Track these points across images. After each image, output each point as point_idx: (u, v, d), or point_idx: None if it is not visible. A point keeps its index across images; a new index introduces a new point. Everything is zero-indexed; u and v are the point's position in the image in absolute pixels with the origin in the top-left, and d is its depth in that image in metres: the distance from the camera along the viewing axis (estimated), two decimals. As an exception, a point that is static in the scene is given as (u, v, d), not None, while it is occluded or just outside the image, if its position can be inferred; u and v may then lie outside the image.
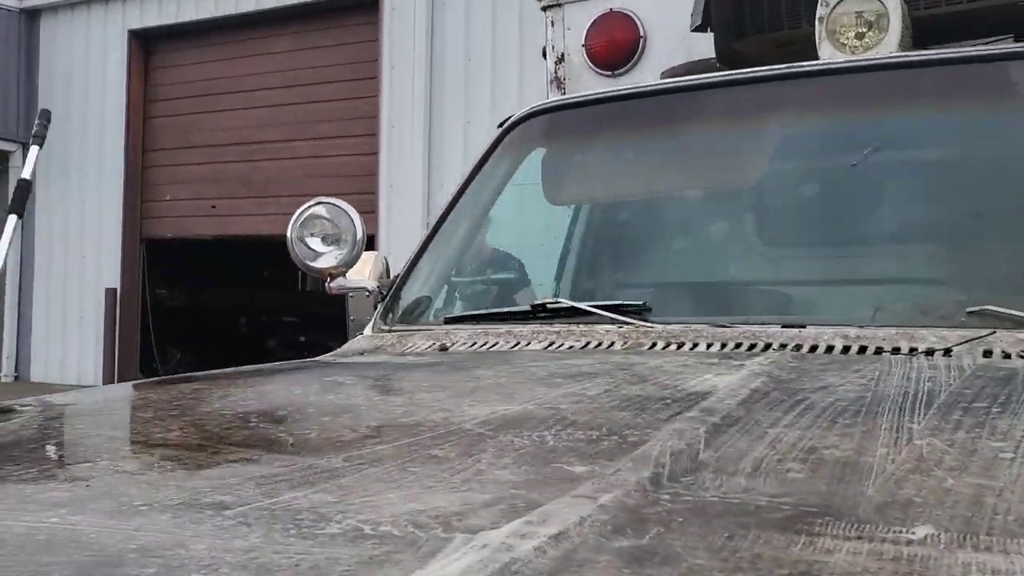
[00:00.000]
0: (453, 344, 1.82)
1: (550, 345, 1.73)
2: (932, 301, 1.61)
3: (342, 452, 0.96)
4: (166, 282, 13.26)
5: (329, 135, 11.02)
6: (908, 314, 1.59)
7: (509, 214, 2.33)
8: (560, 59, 3.43)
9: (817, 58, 2.60)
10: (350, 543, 0.68)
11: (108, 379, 11.47)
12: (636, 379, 1.32)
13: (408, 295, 2.19)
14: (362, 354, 1.88)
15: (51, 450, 0.96)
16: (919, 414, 1.06)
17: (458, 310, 2.20)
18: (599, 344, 1.69)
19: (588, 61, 3.36)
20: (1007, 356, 1.38)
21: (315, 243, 2.18)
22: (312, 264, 2.17)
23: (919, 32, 2.36)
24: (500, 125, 2.50)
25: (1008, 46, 2.06)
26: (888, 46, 2.29)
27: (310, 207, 2.19)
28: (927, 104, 1.89)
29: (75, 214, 12.29)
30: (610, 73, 3.37)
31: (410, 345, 1.88)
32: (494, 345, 1.79)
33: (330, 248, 2.20)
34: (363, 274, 2.40)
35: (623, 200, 2.21)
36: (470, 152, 10.85)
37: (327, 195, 9.07)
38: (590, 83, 3.40)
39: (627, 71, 3.35)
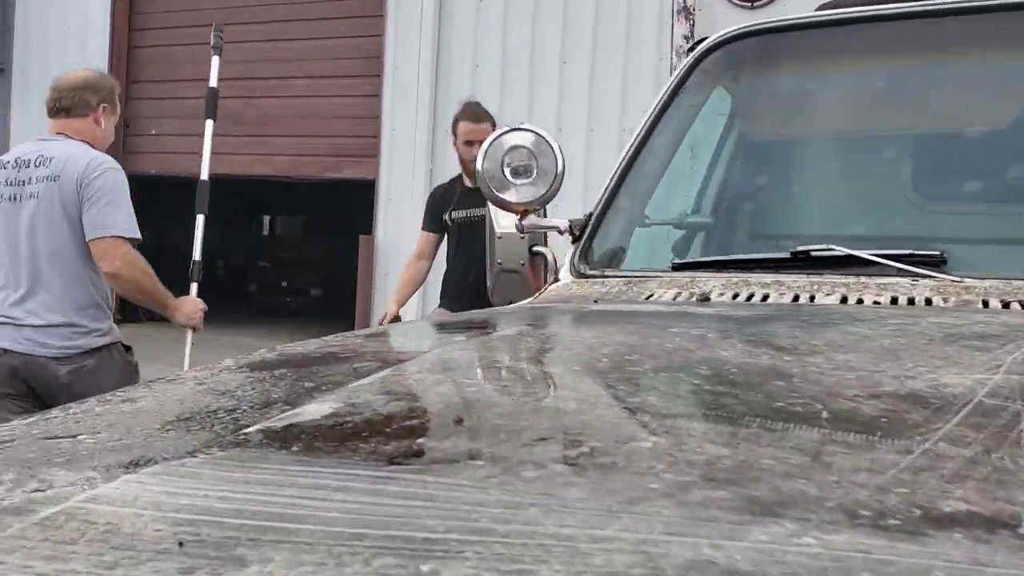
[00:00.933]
0: (711, 293, 1.57)
1: (843, 300, 1.48)
2: None
3: (925, 431, 0.71)
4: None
5: (329, 74, 10.55)
6: None
7: (709, 149, 2.07)
8: (692, -13, 3.16)
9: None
10: None
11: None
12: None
13: (604, 238, 1.93)
14: (595, 302, 1.61)
15: (614, 425, 0.69)
16: None
17: (665, 255, 1.94)
18: (911, 300, 1.45)
19: (725, -9, 3.10)
20: None
21: (506, 174, 1.91)
22: (505, 197, 1.90)
23: None
24: (690, 49, 2.22)
25: None
26: None
27: (505, 133, 1.91)
28: None
29: (54, 146, 11.71)
30: (749, 5, 3.11)
31: (651, 294, 1.62)
32: (765, 297, 1.54)
33: (520, 181, 1.93)
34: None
35: (851, 137, 1.95)
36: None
37: (324, 136, 8.64)
38: (723, 14, 3.14)
39: (767, 4, 3.09)
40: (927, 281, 1.50)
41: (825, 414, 0.76)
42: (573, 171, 8.48)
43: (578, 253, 1.89)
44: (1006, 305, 1.39)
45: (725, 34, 2.09)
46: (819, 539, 0.47)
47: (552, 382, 0.85)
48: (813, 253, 1.62)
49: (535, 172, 1.89)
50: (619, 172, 1.99)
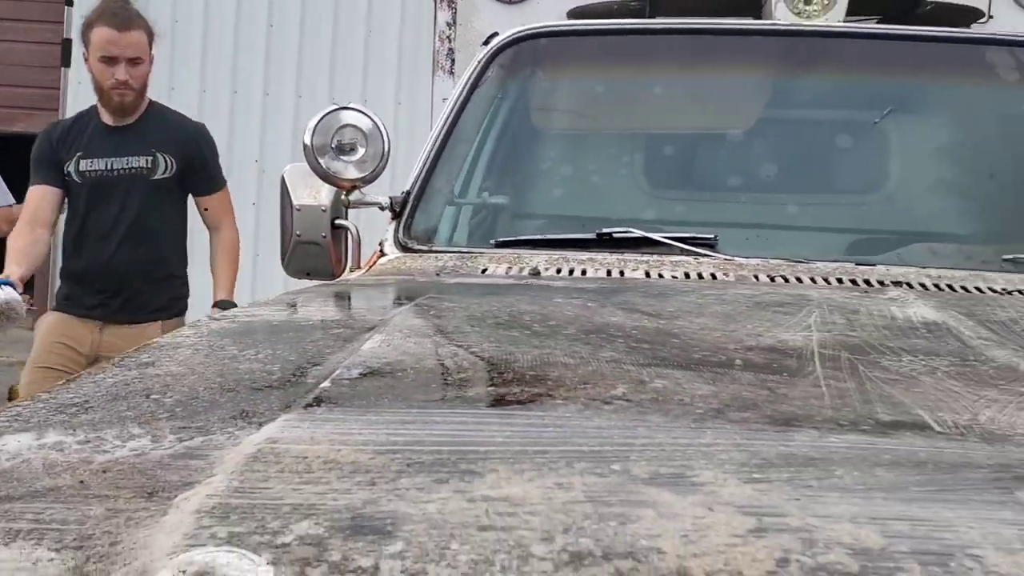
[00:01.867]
0: (537, 268, 1.81)
1: (647, 275, 1.78)
2: (973, 249, 1.90)
3: (843, 376, 0.97)
4: None
5: (3, 16, 9.53)
6: (952, 258, 1.87)
7: (509, 137, 2.30)
8: (453, -22, 3.36)
9: (739, 13, 2.83)
10: None
11: None
12: (847, 309, 1.44)
13: (421, 215, 2.10)
14: (438, 275, 1.79)
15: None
16: None
17: (474, 232, 2.15)
18: (700, 275, 1.78)
19: (484, -15, 3.33)
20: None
21: (333, 151, 2.01)
22: (335, 174, 2.00)
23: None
24: (485, 43, 2.44)
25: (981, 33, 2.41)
26: (838, 14, 2.57)
27: (332, 112, 2.01)
28: (913, 72, 2.17)
29: None
30: (507, 0, 3.36)
31: (485, 267, 1.82)
32: (584, 272, 1.80)
33: (345, 157, 2.04)
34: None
35: (630, 134, 2.27)
36: (178, 51, 9.95)
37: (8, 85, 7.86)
38: (482, 6, 3.38)
39: (523, 0, 3.37)
40: (706, 259, 1.84)
41: (738, 361, 1.02)
42: (282, 136, 8.30)
43: (401, 228, 2.05)
44: (772, 279, 1.75)
45: (519, 32, 2.33)
46: (840, 438, 0.72)
47: (523, 342, 1.03)
48: (615, 235, 1.91)
49: (361, 150, 2.02)
50: (432, 154, 2.17)
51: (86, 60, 3.11)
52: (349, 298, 1.54)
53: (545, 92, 2.34)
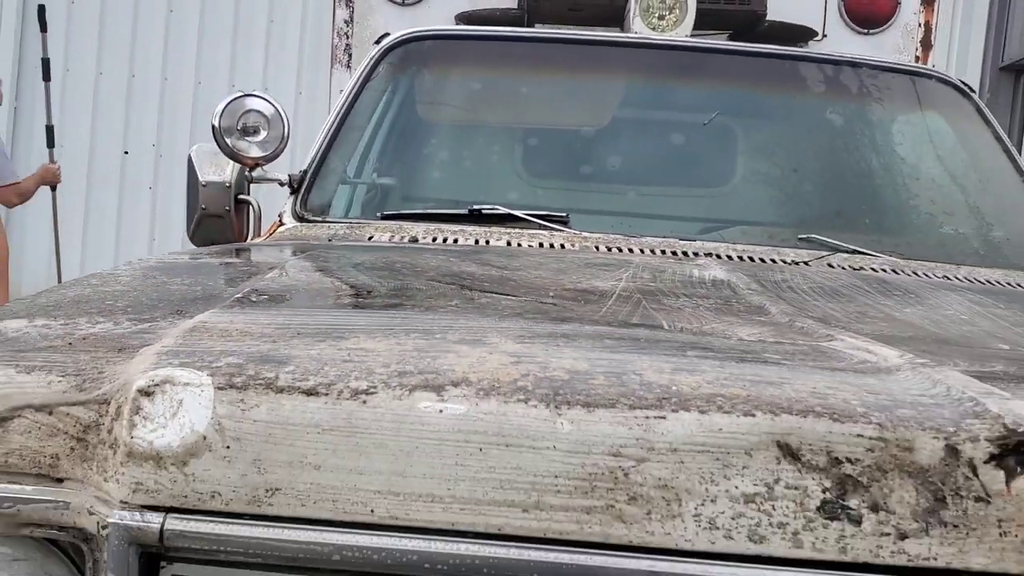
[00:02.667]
0: (415, 236, 2.13)
1: (509, 244, 2.13)
2: (776, 230, 2.30)
3: (627, 305, 1.32)
4: None
5: None
6: (760, 237, 2.27)
7: (397, 126, 2.61)
8: (349, -20, 3.65)
9: (605, 24, 3.22)
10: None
11: None
12: (657, 269, 1.81)
13: (317, 191, 2.40)
14: (330, 240, 2.10)
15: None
16: (869, 291, 1.70)
17: (365, 206, 2.46)
18: (552, 245, 2.13)
19: (379, -12, 3.64)
20: (843, 268, 2.10)
21: (238, 133, 2.28)
22: (240, 153, 2.28)
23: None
24: (377, 42, 2.74)
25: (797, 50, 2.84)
26: (685, 29, 2.98)
27: (238, 99, 2.28)
28: (756, 83, 2.57)
29: None
30: (400, 1, 3.67)
31: (371, 235, 2.14)
32: (456, 240, 2.13)
33: (249, 139, 2.32)
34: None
35: (499, 127, 2.61)
36: (74, 32, 9.88)
37: None
38: (378, 7, 3.68)
39: (416, 3, 3.68)
40: (559, 233, 2.20)
41: (551, 295, 1.36)
42: (180, 122, 8.47)
43: (299, 202, 2.35)
44: (609, 249, 2.12)
45: (408, 33, 2.65)
46: (593, 328, 1.07)
47: (391, 277, 1.36)
48: (484, 211, 2.25)
49: (264, 132, 2.31)
50: (328, 138, 2.47)
51: None
52: (251, 251, 1.84)
53: (429, 88, 2.66)
